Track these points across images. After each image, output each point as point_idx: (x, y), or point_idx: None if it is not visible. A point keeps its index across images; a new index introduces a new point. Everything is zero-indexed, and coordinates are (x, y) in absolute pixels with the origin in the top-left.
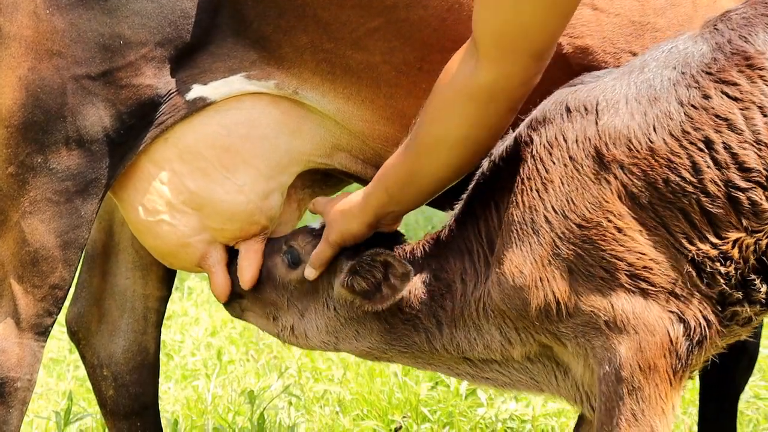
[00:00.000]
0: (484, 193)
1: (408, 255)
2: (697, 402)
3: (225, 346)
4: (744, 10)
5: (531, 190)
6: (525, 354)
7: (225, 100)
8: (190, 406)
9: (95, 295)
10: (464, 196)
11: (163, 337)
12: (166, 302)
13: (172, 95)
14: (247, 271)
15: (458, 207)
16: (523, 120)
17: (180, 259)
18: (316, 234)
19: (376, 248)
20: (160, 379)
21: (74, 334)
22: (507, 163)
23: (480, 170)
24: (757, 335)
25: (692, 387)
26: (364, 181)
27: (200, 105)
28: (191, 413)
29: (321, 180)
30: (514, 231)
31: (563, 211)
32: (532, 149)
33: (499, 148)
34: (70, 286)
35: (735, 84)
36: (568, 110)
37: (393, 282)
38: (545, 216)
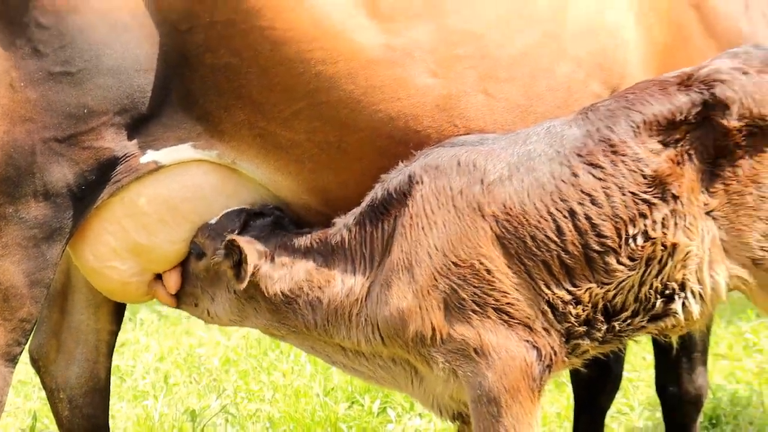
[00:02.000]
0: (374, 214)
1: (298, 244)
2: (572, 417)
3: (171, 370)
4: (609, 103)
5: (418, 226)
6: (390, 355)
7: (173, 165)
8: (140, 423)
9: (54, 328)
10: (357, 210)
11: (117, 362)
12: (116, 335)
13: (128, 158)
14: (172, 282)
15: (351, 218)
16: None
17: (126, 295)
18: (212, 228)
19: (235, 236)
20: (115, 400)
21: (35, 362)
22: (399, 195)
23: (373, 192)
24: (619, 361)
25: (567, 404)
26: None
27: (152, 168)
28: (141, 430)
29: None
30: (402, 260)
31: (443, 249)
32: (422, 190)
33: (393, 179)
34: (36, 320)
35: (600, 167)
36: (459, 164)
37: (244, 267)
38: (428, 251)
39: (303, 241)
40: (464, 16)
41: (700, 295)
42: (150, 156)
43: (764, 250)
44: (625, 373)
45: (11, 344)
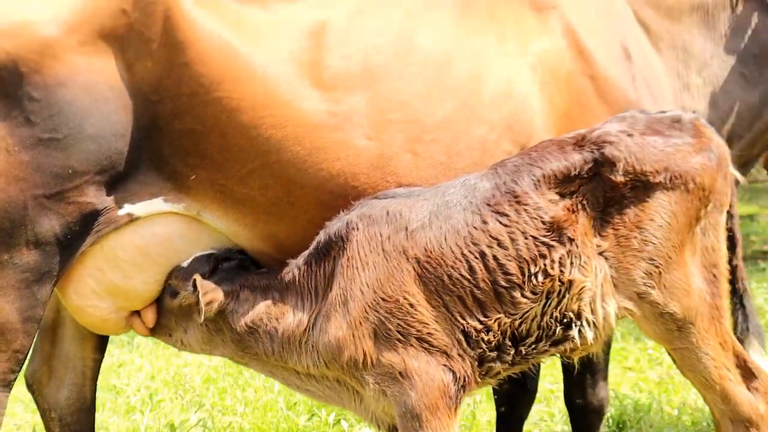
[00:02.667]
0: (318, 256)
1: (259, 284)
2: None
3: (159, 388)
4: (515, 160)
5: (353, 266)
6: (335, 377)
7: (147, 216)
8: None
9: (46, 357)
10: (305, 253)
11: (114, 380)
12: (100, 362)
13: (107, 211)
14: (149, 317)
15: (300, 259)
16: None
17: (105, 329)
18: (184, 270)
19: (197, 276)
20: (110, 413)
21: (30, 386)
22: (337, 239)
23: (318, 237)
24: (534, 378)
25: None
26: None
27: (128, 219)
28: None
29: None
30: (339, 295)
31: (373, 287)
32: (357, 236)
33: (333, 226)
34: (29, 351)
35: (506, 215)
36: (388, 214)
37: (199, 300)
38: (360, 288)
39: (262, 280)
40: (395, 87)
41: (594, 323)
42: (126, 209)
43: (647, 286)
44: (547, 385)
45: (7, 372)
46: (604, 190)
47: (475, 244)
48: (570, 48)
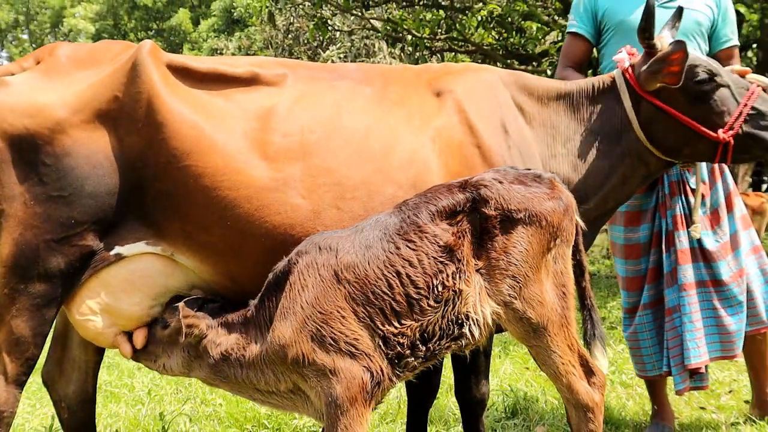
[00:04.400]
0: (269, 292)
1: (231, 320)
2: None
3: (163, 385)
4: (415, 199)
5: (294, 289)
6: (288, 388)
7: (132, 256)
8: (130, 421)
9: (57, 360)
10: (260, 292)
11: (128, 380)
12: (99, 363)
13: (102, 251)
14: (139, 340)
15: (257, 298)
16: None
17: (99, 341)
18: (176, 308)
19: (179, 306)
20: (113, 404)
21: (45, 382)
22: (282, 274)
23: (269, 277)
24: (437, 374)
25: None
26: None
27: (118, 258)
28: (131, 426)
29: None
30: (283, 312)
31: (311, 303)
32: (297, 266)
33: (279, 265)
34: (38, 359)
35: (413, 241)
36: (320, 248)
37: (182, 323)
38: (301, 305)
39: (233, 318)
40: (324, 157)
41: (478, 323)
42: (116, 250)
43: (511, 297)
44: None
45: (20, 374)
46: (481, 222)
47: (392, 266)
48: (461, 124)
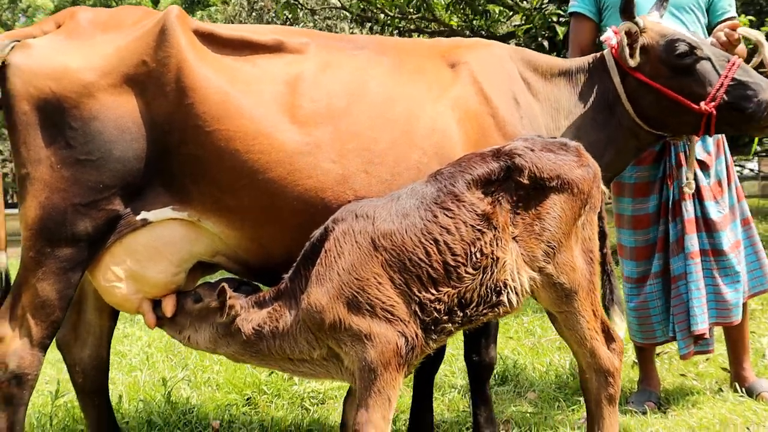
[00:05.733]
0: (305, 261)
1: (263, 298)
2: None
3: (154, 352)
4: (449, 169)
5: (331, 256)
6: (321, 355)
7: (158, 221)
8: (130, 387)
9: (73, 324)
10: (294, 264)
11: (120, 347)
12: (113, 329)
13: (128, 216)
14: (169, 309)
15: (291, 270)
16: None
17: (124, 307)
18: (211, 286)
19: (221, 286)
20: (116, 372)
21: (60, 347)
22: (319, 243)
23: (304, 247)
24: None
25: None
26: (228, 270)
27: (144, 223)
28: (131, 391)
29: (206, 265)
30: (319, 279)
31: (348, 270)
32: (333, 233)
33: (316, 233)
34: (62, 322)
35: (450, 210)
36: (356, 216)
37: (227, 304)
38: (338, 272)
39: (266, 295)
40: (351, 122)
41: (515, 290)
42: (142, 215)
43: (545, 262)
44: (449, 350)
45: (44, 337)
46: (515, 190)
47: (429, 234)
48: (477, 94)
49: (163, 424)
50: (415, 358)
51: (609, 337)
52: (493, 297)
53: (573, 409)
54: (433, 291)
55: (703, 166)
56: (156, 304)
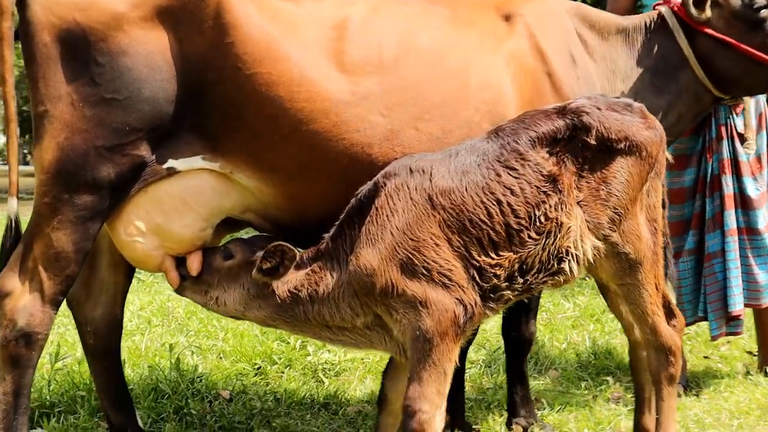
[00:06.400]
0: (350, 220)
1: (301, 259)
2: None
3: (150, 317)
4: (511, 125)
5: (383, 214)
6: (365, 323)
7: (186, 171)
8: (132, 353)
9: (85, 281)
10: (336, 223)
11: None
12: (128, 287)
13: (153, 164)
14: (195, 266)
15: (333, 229)
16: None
17: (146, 264)
18: (244, 241)
19: (276, 242)
20: None
21: (70, 303)
22: (367, 199)
23: (349, 205)
24: (534, 320)
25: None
26: (256, 228)
27: (171, 172)
28: (132, 357)
29: (231, 222)
30: (369, 238)
31: (402, 229)
32: (385, 189)
33: (363, 189)
34: (76, 277)
35: (514, 168)
36: (411, 170)
37: (287, 263)
38: (390, 231)
39: (303, 257)
40: (402, 74)
41: (578, 258)
42: (170, 163)
43: (611, 230)
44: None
45: (57, 294)
46: (580, 151)
47: (492, 193)
48: (532, 49)
49: (171, 392)
50: (471, 328)
51: (670, 312)
52: (555, 264)
53: (600, 389)
54: (494, 255)
55: (744, 140)
56: (179, 262)
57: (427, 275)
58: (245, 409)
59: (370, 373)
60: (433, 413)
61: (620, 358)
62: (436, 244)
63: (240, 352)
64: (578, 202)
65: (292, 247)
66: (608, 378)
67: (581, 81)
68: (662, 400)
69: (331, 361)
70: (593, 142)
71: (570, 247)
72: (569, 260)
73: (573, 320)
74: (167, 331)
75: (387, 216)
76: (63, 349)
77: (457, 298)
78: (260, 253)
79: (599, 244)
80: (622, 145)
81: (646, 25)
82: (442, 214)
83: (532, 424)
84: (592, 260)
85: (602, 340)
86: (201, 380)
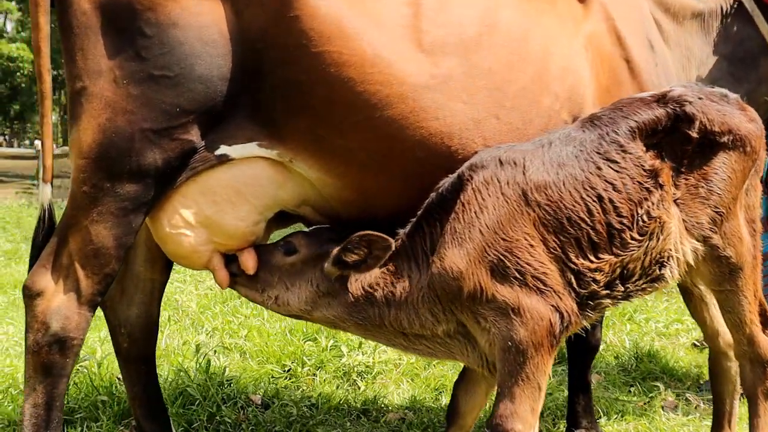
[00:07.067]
0: (430, 216)
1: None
2: None
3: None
4: (608, 113)
5: (470, 211)
6: (446, 332)
7: (241, 159)
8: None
9: (118, 277)
10: (413, 219)
11: None
12: (165, 284)
13: (203, 150)
14: (251, 263)
15: (409, 226)
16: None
17: (191, 261)
18: (307, 234)
19: (362, 231)
20: None
21: (102, 303)
22: (451, 194)
23: (429, 199)
24: (597, 329)
25: None
26: (310, 223)
27: (223, 160)
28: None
29: (283, 217)
30: (455, 238)
31: (493, 227)
32: (472, 183)
33: (446, 182)
34: (116, 276)
35: (615, 161)
36: (501, 162)
37: (377, 253)
38: (480, 229)
39: None
40: (483, 56)
41: (678, 262)
42: (222, 150)
43: (711, 231)
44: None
45: (95, 294)
46: (680, 144)
47: (592, 189)
48: (609, 33)
49: (202, 398)
50: (564, 338)
51: (766, 321)
52: (656, 270)
53: (651, 396)
54: (593, 258)
55: None
56: (228, 260)
57: (520, 279)
58: (281, 416)
59: (405, 377)
60: None
61: (664, 362)
62: (531, 245)
63: (267, 352)
64: (675, 201)
65: (383, 235)
66: (657, 384)
67: (659, 68)
68: (758, 416)
69: (365, 363)
70: (695, 134)
71: (670, 250)
72: (670, 265)
73: (606, 319)
74: (182, 328)
75: (475, 212)
76: (82, 351)
77: (552, 305)
78: (332, 246)
79: (698, 246)
80: (725, 139)
81: (722, 9)
82: (537, 211)
83: None
84: (692, 263)
85: (642, 342)
86: (230, 384)
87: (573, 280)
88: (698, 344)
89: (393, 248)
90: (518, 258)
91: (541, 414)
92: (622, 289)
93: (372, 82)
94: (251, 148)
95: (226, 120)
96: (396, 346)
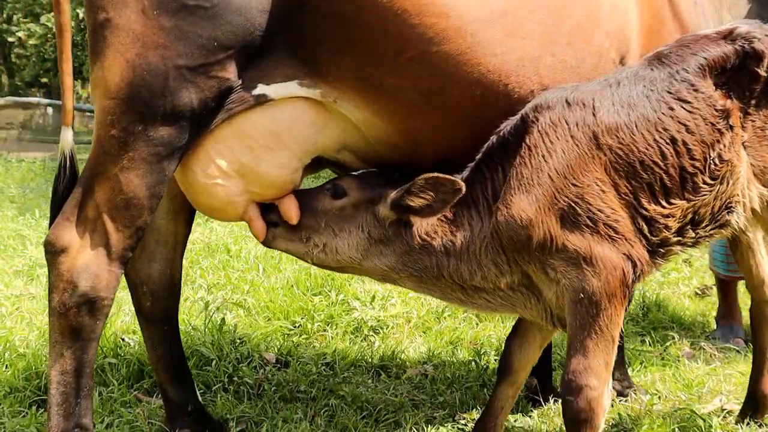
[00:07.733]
0: (491, 160)
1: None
2: None
3: None
4: (676, 50)
5: (537, 155)
6: (509, 284)
7: (280, 99)
8: None
9: None
10: (472, 163)
11: None
12: (187, 237)
13: (239, 90)
14: (293, 212)
15: (467, 171)
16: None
17: (226, 213)
18: (357, 177)
19: (427, 174)
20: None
21: None
22: (514, 137)
23: (489, 143)
24: None
25: None
26: (346, 170)
27: (261, 100)
28: None
29: (318, 163)
30: (523, 184)
31: (562, 172)
32: (538, 126)
33: (507, 125)
34: (146, 229)
35: (687, 101)
36: (568, 103)
37: (444, 197)
38: (549, 174)
39: None
40: None
41: (744, 207)
42: (260, 89)
43: None
44: None
45: (126, 249)
46: (748, 82)
47: (665, 130)
48: None
49: (218, 358)
50: (635, 287)
51: None
52: (725, 215)
53: (666, 346)
54: (665, 204)
55: None
56: (264, 209)
57: (592, 227)
58: (301, 374)
59: (418, 330)
60: (602, 389)
61: (672, 311)
62: (602, 191)
63: (273, 308)
64: (743, 143)
65: (452, 178)
66: (669, 333)
67: (699, 8)
68: None
69: (376, 317)
70: (764, 73)
71: (738, 195)
72: (737, 211)
73: None
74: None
75: (543, 156)
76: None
77: (624, 254)
78: (385, 190)
79: (765, 192)
80: None
81: None
82: (608, 154)
83: (628, 387)
84: (758, 209)
85: (649, 291)
86: (243, 343)
87: (644, 227)
88: (700, 292)
89: (463, 192)
90: (590, 204)
91: None
92: (693, 235)
93: (428, 14)
94: (292, 88)
95: (265, 56)
96: (452, 301)
